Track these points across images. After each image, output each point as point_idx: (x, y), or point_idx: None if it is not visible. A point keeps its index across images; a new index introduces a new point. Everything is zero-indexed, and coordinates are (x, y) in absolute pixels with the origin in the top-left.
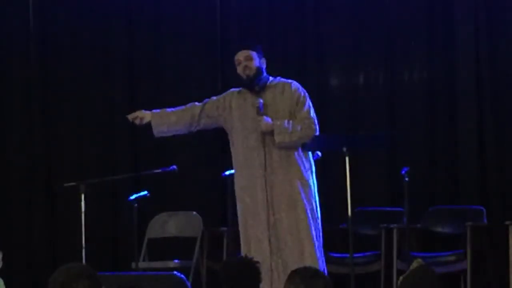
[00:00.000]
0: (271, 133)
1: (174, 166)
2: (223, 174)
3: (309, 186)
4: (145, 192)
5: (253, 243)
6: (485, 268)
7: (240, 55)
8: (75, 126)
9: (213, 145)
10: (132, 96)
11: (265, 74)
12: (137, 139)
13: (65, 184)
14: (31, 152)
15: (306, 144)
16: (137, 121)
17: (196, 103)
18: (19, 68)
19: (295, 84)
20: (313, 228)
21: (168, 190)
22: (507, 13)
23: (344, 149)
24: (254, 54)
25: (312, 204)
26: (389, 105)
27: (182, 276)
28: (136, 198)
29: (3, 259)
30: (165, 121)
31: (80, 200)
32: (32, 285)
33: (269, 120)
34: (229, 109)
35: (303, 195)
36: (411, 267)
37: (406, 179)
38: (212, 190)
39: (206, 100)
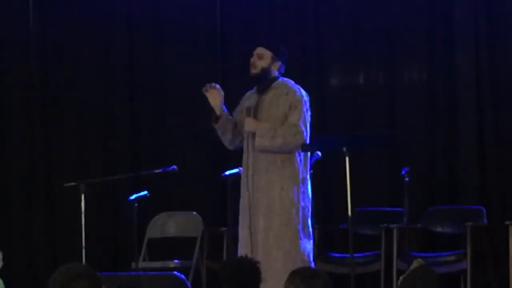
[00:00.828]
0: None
1: (174, 166)
2: (223, 174)
3: (291, 193)
4: (145, 192)
5: (239, 242)
6: (485, 268)
7: (255, 51)
8: (75, 126)
9: (213, 145)
10: (132, 96)
11: (274, 75)
12: (137, 139)
13: (65, 184)
14: (31, 152)
15: (305, 145)
16: (207, 94)
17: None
18: (19, 68)
19: (295, 89)
20: (286, 235)
21: (168, 190)
22: (507, 13)
23: (344, 149)
24: (267, 53)
25: (290, 212)
26: (389, 105)
27: (182, 276)
28: (136, 198)
29: (3, 259)
30: (228, 129)
31: (80, 200)
32: (32, 285)
33: (254, 121)
34: (244, 110)
35: (280, 202)
36: (411, 267)
37: (406, 179)
38: (212, 190)
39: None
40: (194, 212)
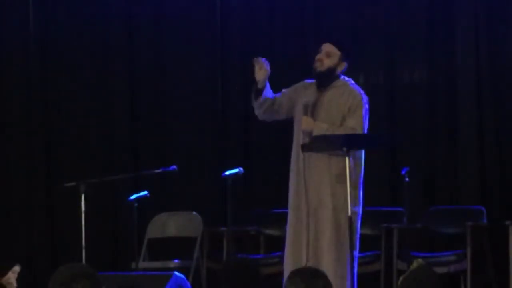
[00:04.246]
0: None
1: (174, 166)
2: (223, 174)
3: (341, 196)
4: (145, 192)
5: (288, 241)
6: (485, 268)
7: (324, 47)
8: (75, 126)
9: (213, 145)
10: (133, 96)
11: (336, 74)
12: (137, 139)
13: (65, 184)
14: (31, 152)
15: (305, 146)
16: (255, 65)
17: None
18: (19, 68)
19: (356, 90)
20: (336, 239)
21: (168, 190)
22: (507, 13)
23: (344, 149)
24: (337, 53)
25: (339, 216)
26: (389, 105)
27: (182, 276)
28: (136, 198)
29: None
30: (266, 104)
31: (80, 200)
32: (32, 285)
33: (311, 121)
34: (296, 99)
35: (330, 204)
36: (411, 267)
37: (406, 179)
38: (212, 190)
39: (282, 91)
40: (194, 212)
